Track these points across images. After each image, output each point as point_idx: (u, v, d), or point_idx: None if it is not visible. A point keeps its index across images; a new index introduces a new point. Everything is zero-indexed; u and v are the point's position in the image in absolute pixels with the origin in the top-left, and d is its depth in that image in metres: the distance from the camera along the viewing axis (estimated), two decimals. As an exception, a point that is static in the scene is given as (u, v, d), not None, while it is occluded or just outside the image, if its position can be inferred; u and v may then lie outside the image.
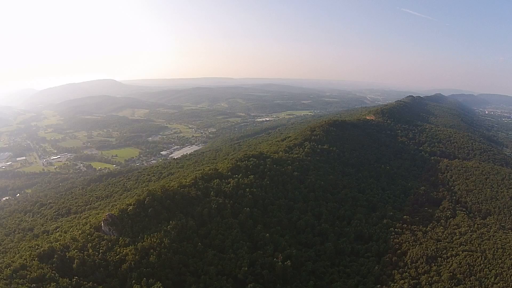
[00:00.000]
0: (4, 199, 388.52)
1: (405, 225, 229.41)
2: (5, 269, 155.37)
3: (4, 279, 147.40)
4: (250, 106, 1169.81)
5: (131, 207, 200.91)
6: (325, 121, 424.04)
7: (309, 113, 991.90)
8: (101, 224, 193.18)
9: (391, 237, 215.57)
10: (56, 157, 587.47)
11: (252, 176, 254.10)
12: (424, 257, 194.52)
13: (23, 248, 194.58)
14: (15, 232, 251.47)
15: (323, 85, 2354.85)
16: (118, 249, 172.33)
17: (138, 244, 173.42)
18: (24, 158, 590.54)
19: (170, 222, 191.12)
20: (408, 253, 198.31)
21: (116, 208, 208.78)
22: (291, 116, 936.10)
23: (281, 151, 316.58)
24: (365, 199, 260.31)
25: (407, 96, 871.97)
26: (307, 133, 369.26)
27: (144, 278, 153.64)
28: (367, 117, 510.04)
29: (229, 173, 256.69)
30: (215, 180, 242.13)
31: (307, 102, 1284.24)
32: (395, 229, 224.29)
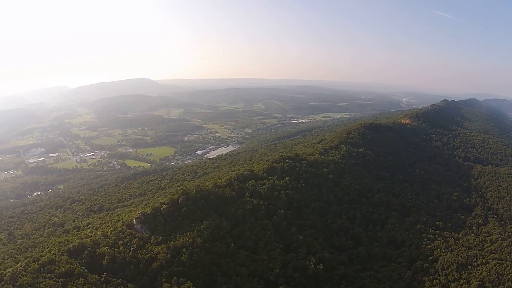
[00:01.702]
0: (35, 194, 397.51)
1: (437, 231, 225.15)
2: (33, 263, 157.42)
3: (31, 273, 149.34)
4: (286, 107, 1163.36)
5: (164, 206, 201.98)
6: (361, 124, 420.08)
7: (345, 116, 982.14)
8: (133, 221, 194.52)
9: (423, 243, 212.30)
10: (90, 154, 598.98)
11: (287, 178, 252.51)
12: (454, 264, 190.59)
13: (53, 243, 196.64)
14: (45, 227, 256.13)
15: (358, 87, 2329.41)
16: (150, 247, 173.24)
17: (170, 243, 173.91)
18: (57, 154, 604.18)
19: (204, 222, 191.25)
20: (440, 260, 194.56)
21: (150, 207, 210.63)
22: (327, 119, 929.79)
23: (316, 153, 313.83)
24: (399, 204, 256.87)
25: (441, 100, 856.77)
26: (343, 135, 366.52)
27: (175, 277, 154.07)
28: (403, 121, 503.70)
29: (264, 175, 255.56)
30: (250, 181, 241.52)
31: (343, 104, 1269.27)
32: (428, 235, 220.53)
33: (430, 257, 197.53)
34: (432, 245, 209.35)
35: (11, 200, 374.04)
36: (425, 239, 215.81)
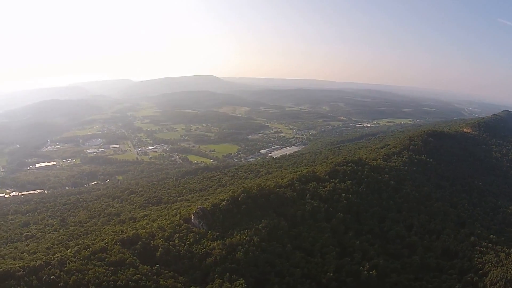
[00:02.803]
0: (92, 183, 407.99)
1: (490, 245, 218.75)
2: (84, 250, 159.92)
3: (80, 260, 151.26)
4: (351, 110, 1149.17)
5: (224, 203, 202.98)
6: (424, 131, 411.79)
7: (409, 122, 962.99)
8: (191, 216, 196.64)
9: (476, 256, 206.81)
10: (151, 147, 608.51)
11: (349, 181, 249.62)
12: (503, 280, 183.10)
13: (106, 232, 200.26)
14: (100, 216, 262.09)
15: (423, 93, 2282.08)
16: (206, 243, 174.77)
17: (227, 239, 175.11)
18: (117, 146, 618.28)
19: (262, 220, 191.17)
20: (489, 274, 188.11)
21: (209, 202, 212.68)
22: (391, 124, 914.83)
23: (379, 158, 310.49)
24: (455, 214, 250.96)
25: (502, 110, 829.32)
26: (406, 142, 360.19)
27: (228, 274, 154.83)
28: (464, 130, 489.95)
29: (326, 177, 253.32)
30: (312, 183, 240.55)
31: (407, 110, 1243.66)
32: (481, 248, 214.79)
33: (481, 271, 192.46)
34: (483, 258, 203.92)
35: (66, 188, 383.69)
36: (478, 251, 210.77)
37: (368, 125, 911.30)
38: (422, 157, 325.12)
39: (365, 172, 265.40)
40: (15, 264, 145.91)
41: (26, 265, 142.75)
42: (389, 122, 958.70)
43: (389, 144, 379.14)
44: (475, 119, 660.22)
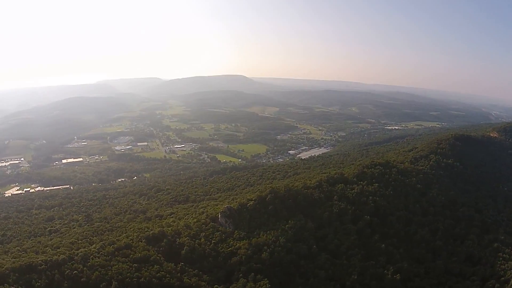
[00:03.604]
0: (119, 180, 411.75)
1: None
2: (108, 246, 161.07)
3: (104, 255, 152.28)
4: (379, 113, 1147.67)
5: (251, 202, 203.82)
6: (451, 134, 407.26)
7: (437, 125, 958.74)
8: (218, 215, 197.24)
9: (498, 262, 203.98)
10: (180, 146, 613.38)
11: (376, 184, 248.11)
12: None
13: (131, 229, 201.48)
14: (126, 213, 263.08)
15: (450, 97, 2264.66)
16: (232, 242, 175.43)
17: (253, 239, 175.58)
18: (145, 143, 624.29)
19: (289, 221, 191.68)
20: (511, 282, 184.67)
21: (236, 202, 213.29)
22: (419, 127, 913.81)
23: (407, 161, 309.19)
24: (480, 220, 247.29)
25: None
26: (434, 145, 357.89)
27: (252, 273, 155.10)
28: (491, 134, 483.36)
29: (354, 179, 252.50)
30: (339, 185, 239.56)
31: (435, 113, 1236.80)
32: (504, 255, 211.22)
33: (502, 278, 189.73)
34: (506, 265, 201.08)
35: (93, 184, 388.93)
36: (501, 258, 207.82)
37: (396, 127, 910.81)
38: (449, 161, 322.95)
39: (392, 175, 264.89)
40: (37, 258, 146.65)
41: (48, 259, 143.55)
42: (417, 125, 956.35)
43: (416, 147, 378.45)
44: (502, 123, 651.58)
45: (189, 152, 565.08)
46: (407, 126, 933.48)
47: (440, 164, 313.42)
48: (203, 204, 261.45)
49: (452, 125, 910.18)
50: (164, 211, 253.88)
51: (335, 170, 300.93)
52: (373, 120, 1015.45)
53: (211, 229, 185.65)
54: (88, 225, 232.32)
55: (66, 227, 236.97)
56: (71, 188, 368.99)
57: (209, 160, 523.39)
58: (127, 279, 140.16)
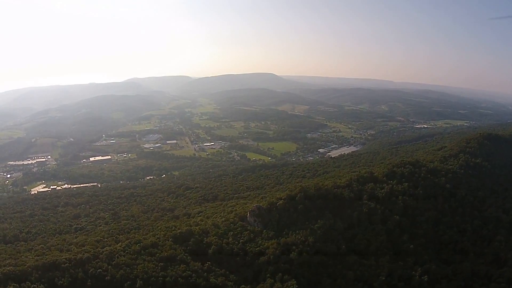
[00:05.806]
0: (147, 178, 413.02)
1: None
2: (134, 244, 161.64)
3: (130, 254, 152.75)
4: (409, 111, 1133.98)
5: (281, 201, 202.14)
6: (480, 133, 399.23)
7: (465, 124, 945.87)
8: (247, 214, 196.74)
9: None
10: (209, 144, 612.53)
11: (406, 183, 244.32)
12: None
13: (159, 227, 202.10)
14: (153, 211, 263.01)
15: (479, 95, 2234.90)
16: (260, 241, 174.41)
17: (282, 239, 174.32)
18: (175, 141, 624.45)
19: (318, 221, 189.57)
20: None
21: (266, 201, 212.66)
22: (448, 125, 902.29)
23: (436, 160, 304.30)
24: (507, 221, 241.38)
25: None
26: (463, 144, 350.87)
27: (280, 274, 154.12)
28: None
29: (384, 178, 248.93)
30: (369, 184, 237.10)
31: (464, 112, 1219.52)
32: None
33: None
34: None
35: (121, 182, 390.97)
36: None
37: (425, 126, 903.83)
38: (478, 160, 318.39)
39: (422, 174, 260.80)
40: (61, 256, 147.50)
41: (72, 257, 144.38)
42: (445, 123, 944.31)
43: (446, 146, 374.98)
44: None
45: (218, 150, 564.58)
46: (436, 125, 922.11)
47: (468, 163, 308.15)
48: (232, 202, 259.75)
49: (480, 124, 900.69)
50: (192, 209, 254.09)
51: (365, 169, 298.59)
52: (402, 119, 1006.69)
53: (239, 228, 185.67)
54: (115, 223, 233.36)
55: (92, 224, 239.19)
56: (99, 185, 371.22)
57: (239, 158, 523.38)
58: (153, 278, 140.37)
